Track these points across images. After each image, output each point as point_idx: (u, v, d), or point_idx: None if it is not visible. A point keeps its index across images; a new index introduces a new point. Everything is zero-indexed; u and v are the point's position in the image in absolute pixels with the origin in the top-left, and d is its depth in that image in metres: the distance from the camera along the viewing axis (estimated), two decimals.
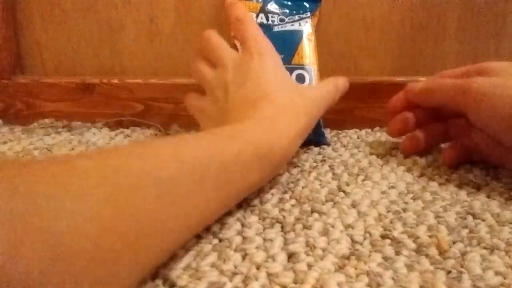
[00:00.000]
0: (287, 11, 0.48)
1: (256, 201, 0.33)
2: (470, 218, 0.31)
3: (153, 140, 0.27)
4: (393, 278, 0.25)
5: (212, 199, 0.27)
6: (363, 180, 0.38)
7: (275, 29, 0.47)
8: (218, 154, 0.27)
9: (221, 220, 0.30)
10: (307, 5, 0.49)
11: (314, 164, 0.41)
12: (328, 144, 0.47)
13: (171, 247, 0.25)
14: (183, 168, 0.25)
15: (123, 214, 0.20)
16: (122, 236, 0.20)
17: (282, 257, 0.26)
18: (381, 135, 0.50)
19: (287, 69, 0.41)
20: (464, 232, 0.29)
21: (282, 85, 0.38)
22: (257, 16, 0.47)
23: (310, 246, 0.28)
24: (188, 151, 0.26)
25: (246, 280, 0.24)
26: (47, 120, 0.55)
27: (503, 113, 0.33)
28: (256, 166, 0.31)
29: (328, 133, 0.50)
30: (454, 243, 0.28)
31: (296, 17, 0.48)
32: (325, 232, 0.29)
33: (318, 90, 0.41)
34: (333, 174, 0.39)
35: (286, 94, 0.37)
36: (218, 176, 0.27)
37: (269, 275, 0.25)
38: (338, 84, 0.43)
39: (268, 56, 0.38)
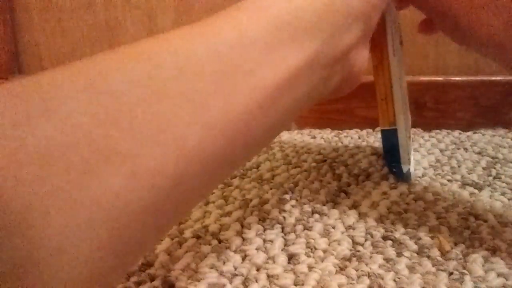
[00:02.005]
0: None
1: (255, 202, 0.33)
2: (472, 219, 0.31)
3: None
4: (394, 280, 0.25)
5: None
6: (364, 181, 0.37)
7: None
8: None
9: (220, 220, 0.30)
10: None
11: (314, 164, 0.41)
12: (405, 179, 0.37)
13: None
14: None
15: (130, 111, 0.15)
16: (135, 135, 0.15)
17: (282, 258, 0.26)
18: None
19: None
20: (466, 233, 0.29)
21: None
22: None
23: (310, 248, 0.27)
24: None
25: (246, 281, 0.24)
26: None
27: None
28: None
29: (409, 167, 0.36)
30: (456, 244, 0.28)
31: None
32: (326, 233, 0.29)
33: None
34: (334, 174, 0.39)
35: None
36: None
37: (269, 276, 0.25)
38: None
39: None
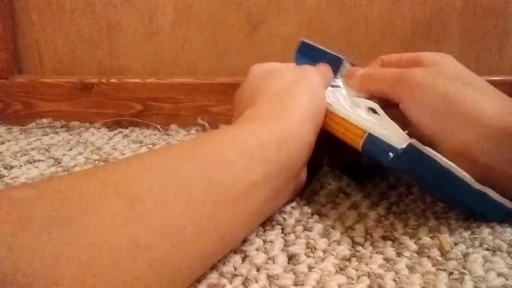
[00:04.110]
0: None
1: None
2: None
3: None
4: (394, 280, 0.25)
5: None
6: (364, 181, 0.37)
7: None
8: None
9: None
10: None
11: None
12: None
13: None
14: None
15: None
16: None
17: (282, 259, 0.26)
18: None
19: None
20: (466, 234, 0.29)
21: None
22: None
23: (310, 248, 0.27)
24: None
25: (246, 282, 0.24)
26: (45, 120, 0.55)
27: (434, 101, 0.32)
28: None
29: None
30: (456, 244, 0.28)
31: None
32: (325, 234, 0.29)
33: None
34: (333, 174, 0.39)
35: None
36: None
37: (269, 277, 0.25)
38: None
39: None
